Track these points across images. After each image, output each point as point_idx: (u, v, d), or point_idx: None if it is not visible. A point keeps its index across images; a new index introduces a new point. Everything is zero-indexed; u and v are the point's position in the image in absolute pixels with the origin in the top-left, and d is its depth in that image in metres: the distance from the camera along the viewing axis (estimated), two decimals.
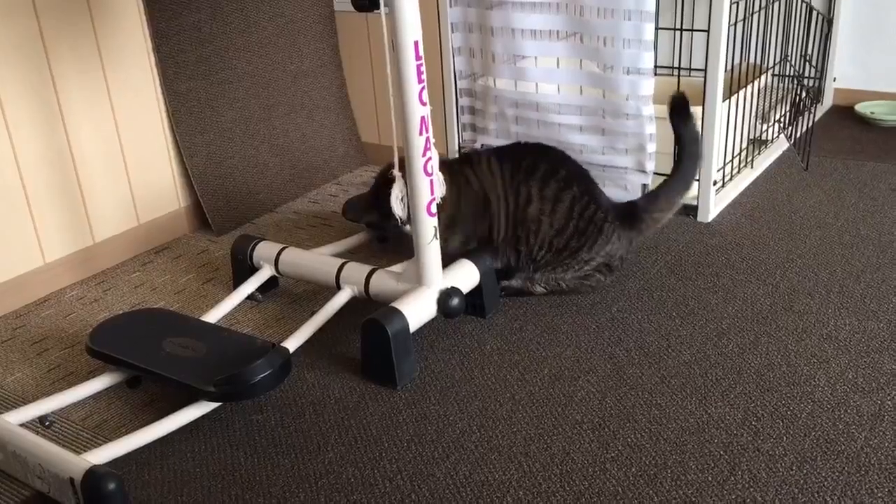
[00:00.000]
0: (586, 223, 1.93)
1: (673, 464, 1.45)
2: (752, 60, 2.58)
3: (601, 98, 2.39)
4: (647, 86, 2.29)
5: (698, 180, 2.37)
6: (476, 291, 1.93)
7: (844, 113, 3.15)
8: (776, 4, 2.65)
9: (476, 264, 1.91)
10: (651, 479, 1.42)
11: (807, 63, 2.89)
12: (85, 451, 1.52)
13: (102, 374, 1.71)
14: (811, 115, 2.82)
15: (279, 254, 2.05)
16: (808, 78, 2.94)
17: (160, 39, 2.39)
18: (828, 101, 3.23)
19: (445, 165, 1.94)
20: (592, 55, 2.36)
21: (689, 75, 2.56)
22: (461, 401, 1.66)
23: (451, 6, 2.56)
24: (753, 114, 2.67)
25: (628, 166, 2.44)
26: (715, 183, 2.38)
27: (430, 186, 1.73)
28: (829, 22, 3.01)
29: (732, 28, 2.31)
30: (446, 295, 1.79)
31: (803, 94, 2.86)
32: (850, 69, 3.17)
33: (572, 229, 1.92)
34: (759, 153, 2.75)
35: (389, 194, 1.85)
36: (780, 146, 2.86)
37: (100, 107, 2.29)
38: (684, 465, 1.45)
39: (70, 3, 2.17)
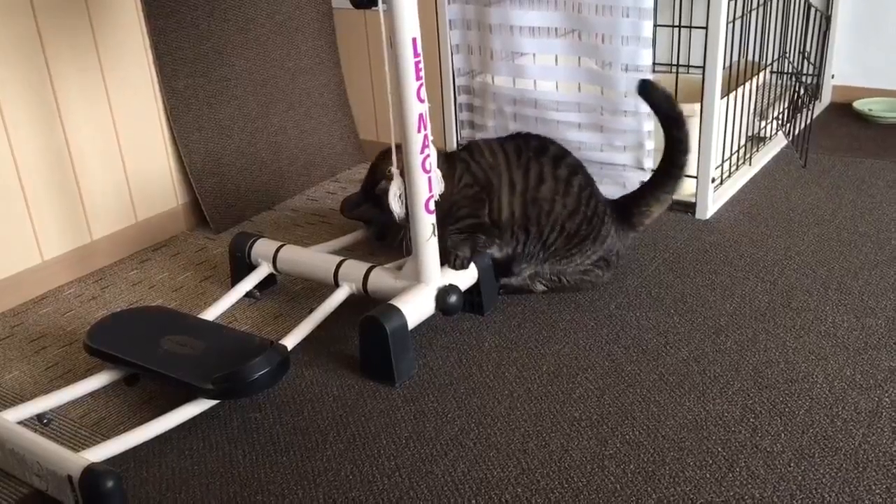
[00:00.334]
0: (592, 211, 1.93)
1: (671, 460, 1.45)
2: (750, 57, 2.58)
3: (599, 95, 2.39)
4: None
5: (696, 177, 2.37)
6: (474, 289, 1.93)
7: (842, 110, 3.15)
8: (774, 1, 2.65)
9: (474, 261, 1.91)
10: (649, 475, 1.42)
11: (805, 60, 2.89)
12: (83, 448, 1.52)
13: (100, 371, 1.71)
14: (809, 113, 2.82)
15: (277, 251, 2.04)
16: (807, 75, 2.94)
17: (158, 37, 2.39)
18: (826, 98, 3.23)
19: (443, 156, 1.93)
20: (591, 52, 2.36)
21: (688, 72, 2.56)
22: (459, 398, 1.67)
23: (449, 3, 2.55)
24: (752, 111, 2.67)
25: (627, 163, 2.44)
26: (713, 180, 2.38)
27: (428, 183, 1.73)
28: (827, 19, 3.01)
29: (731, 25, 2.31)
30: (444, 292, 1.79)
31: (801, 91, 2.86)
32: (848, 66, 3.17)
33: (582, 215, 1.91)
34: (757, 150, 2.75)
35: (380, 182, 1.86)
36: (779, 143, 2.86)
37: (97, 104, 2.29)
38: (682, 461, 1.45)
39: (68, 2, 2.17)
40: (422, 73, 1.65)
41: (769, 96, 2.79)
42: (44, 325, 2.07)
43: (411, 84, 1.64)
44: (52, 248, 2.24)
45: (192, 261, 2.37)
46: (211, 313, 1.92)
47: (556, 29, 2.40)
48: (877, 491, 1.35)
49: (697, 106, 2.31)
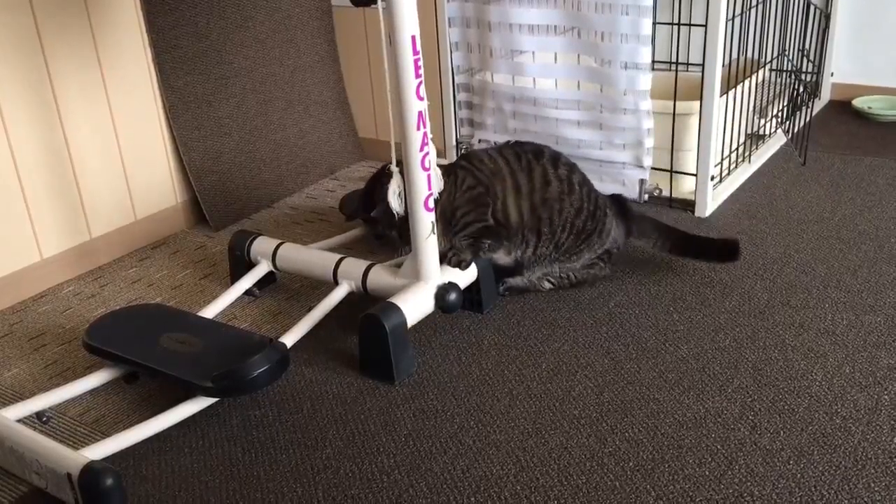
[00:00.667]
0: (594, 206, 1.95)
1: (670, 458, 1.45)
2: (749, 55, 2.58)
3: (599, 93, 2.39)
4: (645, 81, 2.29)
5: (695, 175, 2.37)
6: (474, 287, 1.93)
7: (842, 108, 3.15)
8: None
9: (473, 260, 1.91)
10: (648, 473, 1.42)
11: (804, 58, 2.89)
12: (82, 446, 1.52)
13: (100, 369, 1.71)
14: (809, 110, 2.82)
15: (276, 249, 2.04)
16: (806, 73, 2.94)
17: (157, 35, 2.39)
18: (825, 96, 3.23)
19: (441, 168, 1.94)
20: (590, 50, 2.36)
21: (687, 70, 2.56)
22: (459, 396, 1.67)
23: (448, 1, 2.55)
24: (751, 109, 2.67)
25: (626, 161, 2.44)
26: (712, 178, 2.38)
27: (427, 181, 1.73)
28: (826, 17, 3.01)
29: (730, 23, 2.30)
30: (444, 290, 1.79)
31: (801, 89, 2.86)
32: (847, 64, 3.17)
33: (587, 212, 1.93)
34: (756, 148, 2.75)
35: (384, 192, 1.85)
36: (778, 141, 2.86)
37: (97, 102, 2.29)
38: (682, 459, 1.45)
39: (67, 0, 2.17)
40: (421, 71, 1.65)
41: (768, 94, 2.79)
42: (43, 323, 2.07)
43: (410, 82, 1.64)
44: (51, 246, 2.24)
45: (191, 259, 2.37)
46: (210, 311, 1.92)
47: (555, 27, 2.40)
48: (876, 488, 1.35)
49: (696, 104, 2.31)
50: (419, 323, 1.83)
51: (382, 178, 1.92)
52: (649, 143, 2.38)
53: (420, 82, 1.65)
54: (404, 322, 1.72)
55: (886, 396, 1.57)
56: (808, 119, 2.79)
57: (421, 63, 1.64)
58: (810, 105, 2.87)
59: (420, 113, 1.67)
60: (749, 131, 2.72)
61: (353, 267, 1.91)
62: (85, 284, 2.26)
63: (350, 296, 1.91)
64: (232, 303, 2.02)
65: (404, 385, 1.71)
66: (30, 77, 2.12)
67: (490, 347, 1.82)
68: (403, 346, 1.73)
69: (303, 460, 1.51)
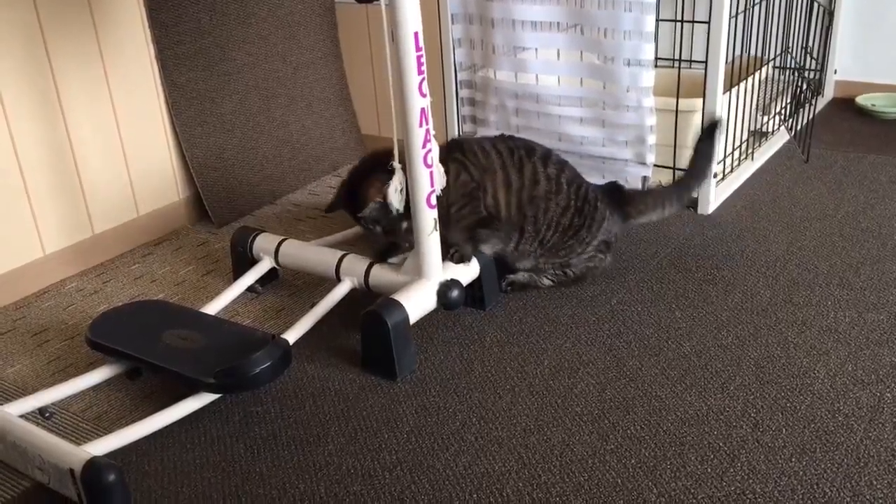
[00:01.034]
0: (582, 202, 1.94)
1: (672, 455, 1.45)
2: (752, 52, 2.58)
3: (602, 90, 2.38)
4: (648, 77, 2.29)
5: None
6: (476, 284, 1.93)
7: (845, 105, 3.14)
8: None
9: (476, 257, 1.91)
10: (650, 470, 1.42)
11: (808, 55, 2.89)
12: (85, 442, 1.52)
13: (102, 365, 1.71)
14: (812, 108, 2.82)
15: (279, 246, 2.04)
16: (809, 70, 2.93)
17: (159, 31, 2.39)
18: (828, 93, 3.22)
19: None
20: (593, 47, 2.35)
21: (690, 67, 2.55)
22: (461, 392, 1.67)
23: None
24: (754, 106, 2.66)
25: (629, 158, 2.44)
26: (715, 175, 2.37)
27: (429, 178, 1.73)
28: (830, 14, 3.00)
29: (733, 20, 2.30)
30: (446, 287, 1.79)
31: (804, 87, 2.85)
32: (850, 61, 3.17)
33: (574, 209, 1.92)
34: (759, 145, 2.74)
35: (365, 186, 1.84)
36: (781, 138, 2.85)
37: (99, 99, 2.29)
38: (683, 456, 1.45)
39: None
40: (423, 68, 1.65)
41: (772, 91, 2.78)
42: (46, 318, 2.07)
43: (413, 78, 1.64)
44: (53, 242, 2.24)
45: (193, 255, 2.37)
46: (213, 307, 1.92)
47: (558, 23, 2.39)
48: (878, 486, 1.35)
49: (699, 101, 2.31)
50: (421, 319, 1.83)
51: (371, 174, 1.88)
52: (652, 140, 2.37)
53: (423, 79, 1.65)
54: (406, 319, 1.72)
55: (889, 394, 1.57)
56: (811, 116, 2.79)
57: (423, 59, 1.64)
58: (813, 102, 2.86)
59: (423, 109, 1.67)
60: (752, 128, 2.71)
61: (356, 264, 1.91)
62: (88, 280, 2.26)
63: (352, 292, 1.91)
64: (234, 299, 2.02)
65: (406, 382, 1.71)
66: (33, 73, 2.12)
67: (492, 344, 1.82)
68: (405, 343, 1.73)
69: (305, 456, 1.51)
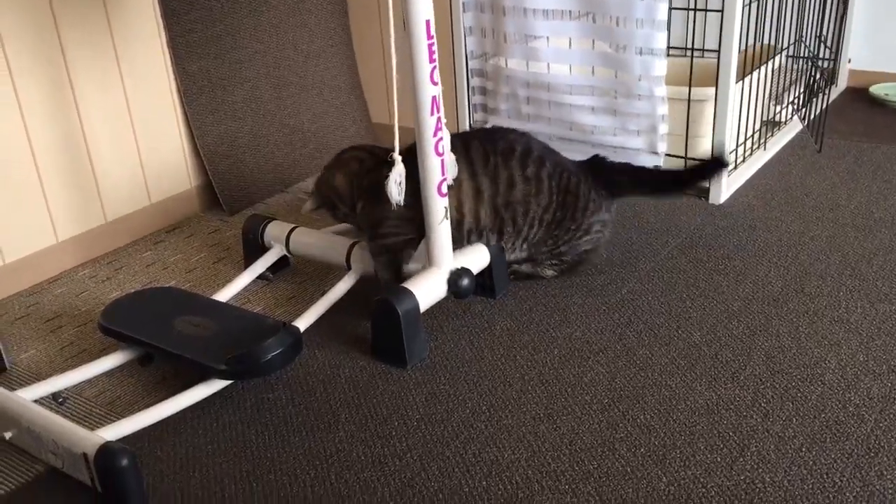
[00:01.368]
0: (564, 193, 1.90)
1: (682, 444, 1.45)
2: (766, 41, 2.56)
3: (613, 79, 2.38)
4: (660, 66, 2.28)
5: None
6: (486, 272, 1.93)
7: (859, 95, 3.12)
8: None
9: (486, 246, 1.91)
10: (660, 459, 1.42)
11: (821, 44, 2.87)
12: (98, 427, 1.54)
13: (115, 351, 1.72)
14: (825, 97, 2.80)
15: (290, 234, 2.05)
16: (823, 59, 2.91)
17: (171, 19, 2.39)
18: (842, 82, 3.20)
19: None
20: (605, 35, 2.34)
21: (703, 56, 2.54)
22: (471, 381, 1.67)
23: None
24: (767, 95, 2.65)
25: (640, 148, 2.43)
26: (727, 165, 2.36)
27: (441, 166, 1.73)
28: (844, 2, 2.97)
29: (746, 8, 2.29)
30: (456, 275, 1.80)
31: (817, 76, 2.84)
32: (864, 51, 3.14)
33: (556, 203, 1.89)
34: (772, 135, 2.73)
35: (330, 179, 1.86)
36: (794, 128, 2.84)
37: (111, 87, 2.29)
38: (693, 445, 1.45)
39: None
40: (435, 56, 1.65)
41: (784, 80, 2.77)
42: (59, 305, 2.09)
43: (424, 67, 1.64)
44: (66, 229, 2.26)
45: (205, 242, 2.38)
46: (224, 294, 1.93)
47: (570, 11, 2.38)
48: (888, 476, 1.35)
49: (712, 90, 2.30)
50: (432, 308, 1.84)
51: (363, 172, 1.88)
52: (664, 129, 2.37)
53: (434, 67, 1.65)
54: (417, 307, 1.73)
55: None
56: (824, 106, 2.77)
57: (435, 48, 1.64)
58: (827, 92, 2.84)
59: (434, 98, 1.67)
60: (765, 118, 2.70)
61: (366, 252, 1.91)
62: (100, 267, 2.27)
63: (363, 280, 1.92)
64: (245, 286, 2.03)
65: (416, 369, 1.72)
66: (45, 62, 2.13)
67: (502, 333, 1.82)
68: (416, 331, 1.73)
69: (315, 443, 1.52)
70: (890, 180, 2.42)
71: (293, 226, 2.07)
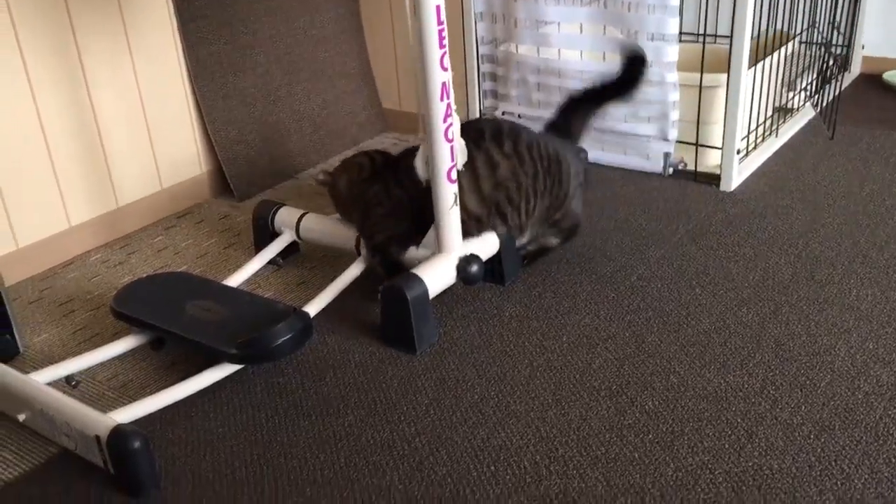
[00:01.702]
0: (547, 160, 1.88)
1: (690, 431, 1.46)
2: (779, 27, 2.54)
3: None
4: (672, 52, 2.27)
5: (721, 148, 2.35)
6: (496, 259, 1.93)
7: (872, 81, 3.10)
8: None
9: (496, 233, 1.91)
10: (667, 445, 1.43)
11: (835, 30, 2.84)
12: (111, 410, 1.55)
13: (127, 335, 1.74)
14: (838, 84, 2.78)
15: (300, 219, 2.06)
16: (836, 45, 2.89)
17: (182, 4, 2.39)
18: (855, 69, 3.18)
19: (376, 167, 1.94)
20: (616, 21, 2.33)
21: (715, 42, 2.52)
22: (480, 366, 1.68)
23: None
24: (779, 82, 2.63)
25: (651, 134, 2.42)
26: (738, 151, 2.35)
27: (450, 152, 1.73)
28: None
29: None
30: (465, 262, 1.80)
31: (831, 62, 2.81)
32: (878, 37, 3.11)
33: (543, 171, 1.87)
34: (784, 122, 2.71)
35: (334, 183, 1.91)
36: (806, 115, 2.82)
37: (122, 72, 2.30)
38: (701, 432, 1.45)
39: None
40: (445, 42, 1.64)
41: (797, 67, 2.75)
42: (72, 289, 2.10)
43: (435, 52, 1.64)
44: (79, 214, 2.27)
45: (216, 228, 2.39)
46: (235, 280, 1.94)
47: None
48: None
49: (724, 76, 2.29)
50: (441, 294, 1.84)
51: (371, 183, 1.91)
52: (675, 115, 2.36)
53: (444, 52, 1.65)
54: (426, 292, 1.73)
55: None
56: (837, 92, 2.75)
57: (445, 33, 1.64)
58: (840, 78, 2.82)
59: (444, 84, 1.67)
60: (777, 104, 2.68)
61: None
62: (112, 252, 2.29)
63: (372, 266, 1.92)
64: (256, 272, 2.04)
65: (425, 355, 1.73)
66: (57, 48, 2.13)
67: (511, 319, 1.83)
68: (425, 317, 1.74)
69: (325, 427, 1.54)
70: None
71: (303, 212, 2.08)
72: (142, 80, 2.35)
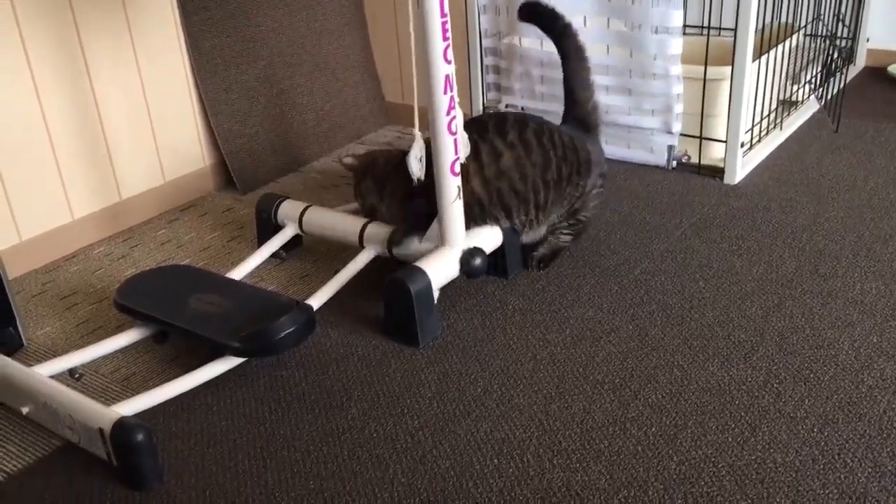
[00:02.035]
0: (562, 149, 1.87)
1: (693, 424, 1.45)
2: (783, 19, 2.53)
3: (628, 58, 2.36)
4: (676, 45, 2.26)
5: (725, 141, 2.34)
6: (499, 252, 1.93)
7: (877, 74, 3.09)
8: None
9: (500, 226, 1.91)
10: (671, 438, 1.43)
11: (840, 23, 2.83)
12: (114, 402, 1.55)
13: (130, 328, 1.74)
14: (843, 77, 2.77)
15: (303, 212, 2.06)
16: (841, 38, 2.88)
17: None
18: (860, 61, 3.16)
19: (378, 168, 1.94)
20: (620, 14, 2.32)
21: (719, 34, 2.51)
22: (483, 359, 1.68)
23: None
24: (784, 74, 2.62)
25: (655, 127, 2.42)
26: (742, 144, 2.35)
27: (454, 146, 1.73)
28: None
29: None
30: (469, 255, 1.80)
31: (835, 55, 2.80)
32: (883, 30, 3.10)
33: (557, 160, 1.85)
34: (788, 114, 2.70)
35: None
36: (811, 108, 2.81)
37: (125, 64, 2.30)
38: (704, 425, 1.45)
39: None
40: (448, 34, 1.64)
41: (802, 59, 2.74)
42: (75, 282, 2.10)
43: (438, 45, 1.63)
44: (82, 207, 2.27)
45: (219, 221, 2.39)
46: (238, 273, 1.94)
47: None
48: None
49: (728, 69, 2.28)
50: (444, 287, 1.84)
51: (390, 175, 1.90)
52: (679, 108, 2.35)
53: (447, 45, 1.64)
54: (429, 286, 1.73)
55: None
56: (842, 85, 2.74)
57: (448, 26, 1.63)
58: (845, 71, 2.81)
59: (447, 76, 1.66)
60: (781, 97, 2.68)
61: (379, 231, 1.92)
62: (115, 245, 2.29)
63: (375, 259, 1.92)
64: (259, 265, 2.04)
65: (429, 348, 1.73)
66: (60, 40, 2.13)
67: (514, 312, 1.83)
68: (428, 310, 1.74)
69: (328, 420, 1.54)
70: None
71: (306, 204, 2.07)
72: (145, 73, 2.35)
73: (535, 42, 2.51)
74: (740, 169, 2.36)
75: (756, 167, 2.43)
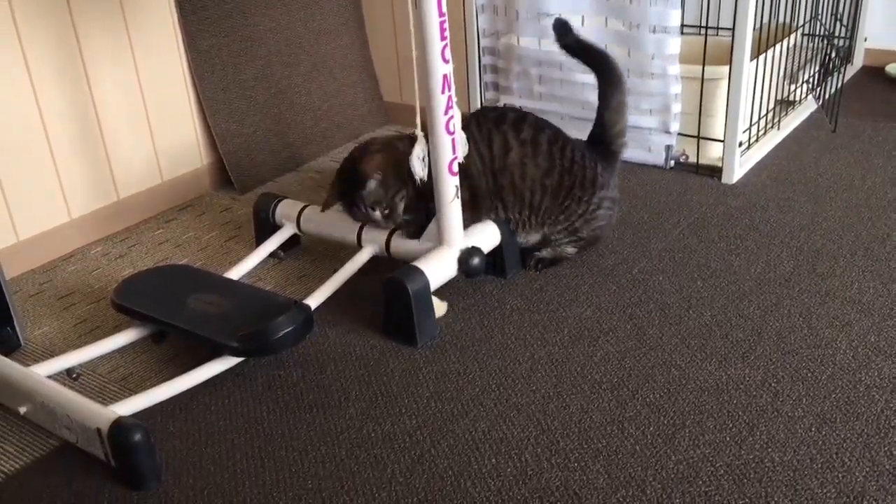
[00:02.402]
0: (570, 161, 1.88)
1: (691, 424, 1.46)
2: (781, 19, 2.53)
3: (626, 57, 2.36)
4: (674, 45, 2.26)
5: (723, 141, 2.34)
6: (497, 251, 1.93)
7: (875, 74, 3.09)
8: None
9: (497, 224, 1.91)
10: (669, 438, 1.43)
11: (837, 22, 2.83)
12: (112, 402, 1.55)
13: (128, 328, 1.74)
14: (840, 76, 2.77)
15: (301, 212, 2.06)
16: (839, 38, 2.88)
17: None
18: (858, 61, 3.17)
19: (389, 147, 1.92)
20: (618, 13, 2.32)
21: (717, 34, 2.51)
22: (481, 359, 1.68)
23: None
24: (781, 74, 2.62)
25: (653, 127, 2.42)
26: (740, 144, 2.35)
27: (451, 145, 1.73)
28: None
29: None
30: (467, 254, 1.80)
31: (833, 55, 2.81)
32: (881, 29, 3.10)
33: (560, 167, 1.87)
34: (786, 114, 2.71)
35: (363, 163, 1.85)
36: (808, 107, 2.81)
37: (123, 64, 2.30)
38: (702, 424, 1.45)
39: None
40: (446, 33, 1.64)
41: (800, 59, 2.74)
42: (72, 282, 2.10)
43: (436, 44, 1.63)
44: (79, 207, 2.27)
45: (217, 221, 2.39)
46: (236, 272, 1.94)
47: None
48: None
49: (726, 69, 2.28)
50: (442, 286, 1.84)
51: (365, 155, 1.88)
52: (677, 108, 2.35)
53: (445, 44, 1.64)
54: (427, 285, 1.73)
55: None
56: (839, 85, 2.74)
57: (446, 25, 1.63)
58: (842, 71, 2.81)
59: (445, 76, 1.66)
60: (779, 97, 2.68)
61: (377, 231, 1.92)
62: (113, 245, 2.28)
63: (374, 259, 1.92)
64: (257, 265, 2.03)
65: (426, 348, 1.73)
66: (58, 40, 2.13)
67: (512, 312, 1.83)
68: (426, 310, 1.74)
69: (326, 420, 1.54)
70: None
71: (304, 204, 2.07)
72: (142, 73, 2.35)
73: (532, 41, 2.51)
74: (738, 168, 2.37)
75: (754, 167, 2.43)
